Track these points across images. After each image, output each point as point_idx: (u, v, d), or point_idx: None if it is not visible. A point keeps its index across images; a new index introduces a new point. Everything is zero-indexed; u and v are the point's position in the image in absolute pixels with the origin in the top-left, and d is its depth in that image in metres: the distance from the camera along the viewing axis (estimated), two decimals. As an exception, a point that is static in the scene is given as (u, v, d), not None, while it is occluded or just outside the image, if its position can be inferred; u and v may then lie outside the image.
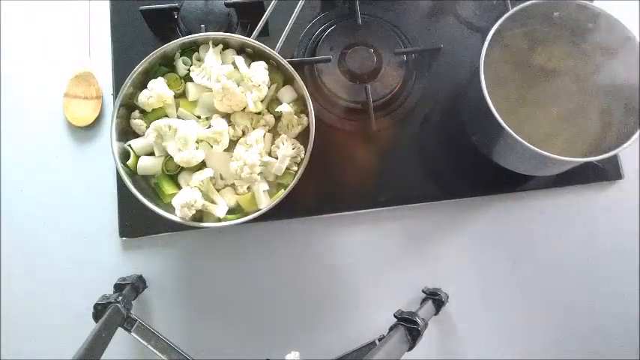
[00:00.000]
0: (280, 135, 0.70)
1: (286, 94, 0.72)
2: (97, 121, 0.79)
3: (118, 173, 0.69)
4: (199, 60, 0.72)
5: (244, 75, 0.69)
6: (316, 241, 0.76)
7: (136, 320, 0.66)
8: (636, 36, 0.61)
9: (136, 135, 0.71)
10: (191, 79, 0.71)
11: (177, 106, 0.71)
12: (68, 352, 0.57)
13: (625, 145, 0.59)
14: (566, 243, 0.76)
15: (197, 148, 0.68)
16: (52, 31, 0.83)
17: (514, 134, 0.59)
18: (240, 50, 0.73)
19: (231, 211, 0.69)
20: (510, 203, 0.77)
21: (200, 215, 0.69)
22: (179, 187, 0.69)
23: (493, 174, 0.74)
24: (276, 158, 0.69)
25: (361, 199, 0.76)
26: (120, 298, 0.66)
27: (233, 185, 0.70)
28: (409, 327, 0.62)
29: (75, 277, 0.75)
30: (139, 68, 0.69)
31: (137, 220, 0.74)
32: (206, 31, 0.75)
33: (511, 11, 0.62)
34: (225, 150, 0.68)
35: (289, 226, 0.76)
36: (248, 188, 0.69)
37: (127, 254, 0.76)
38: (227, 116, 0.71)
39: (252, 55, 0.73)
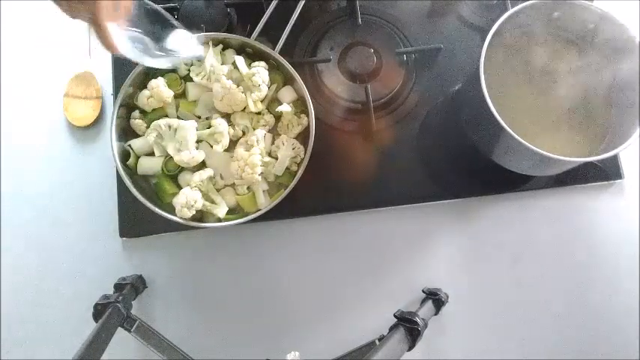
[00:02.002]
0: (280, 135, 0.70)
1: (286, 94, 0.72)
2: (97, 121, 0.79)
3: (118, 173, 0.69)
4: (199, 60, 0.72)
5: (244, 75, 0.69)
6: (316, 241, 0.76)
7: (136, 320, 0.66)
8: (636, 36, 0.61)
9: (136, 135, 0.71)
10: (191, 79, 0.71)
11: (177, 106, 0.71)
12: (68, 352, 0.57)
13: (625, 145, 0.59)
14: (566, 243, 0.76)
15: (197, 148, 0.68)
16: (52, 31, 0.82)
17: (514, 134, 0.59)
18: (240, 50, 0.73)
19: (231, 211, 0.69)
20: (510, 203, 0.77)
21: (200, 215, 0.69)
22: (179, 187, 0.69)
23: (493, 174, 0.74)
24: (276, 158, 0.69)
25: (361, 199, 0.76)
26: (120, 298, 0.66)
27: (233, 185, 0.70)
28: (409, 327, 0.62)
29: (75, 277, 0.75)
30: (138, 68, 0.69)
31: (137, 220, 0.74)
32: (206, 31, 0.75)
33: (511, 11, 0.62)
34: (225, 150, 0.69)
35: (289, 226, 0.76)
36: (248, 188, 0.70)
37: (127, 254, 0.76)
38: (227, 116, 0.71)
39: (252, 55, 0.73)
